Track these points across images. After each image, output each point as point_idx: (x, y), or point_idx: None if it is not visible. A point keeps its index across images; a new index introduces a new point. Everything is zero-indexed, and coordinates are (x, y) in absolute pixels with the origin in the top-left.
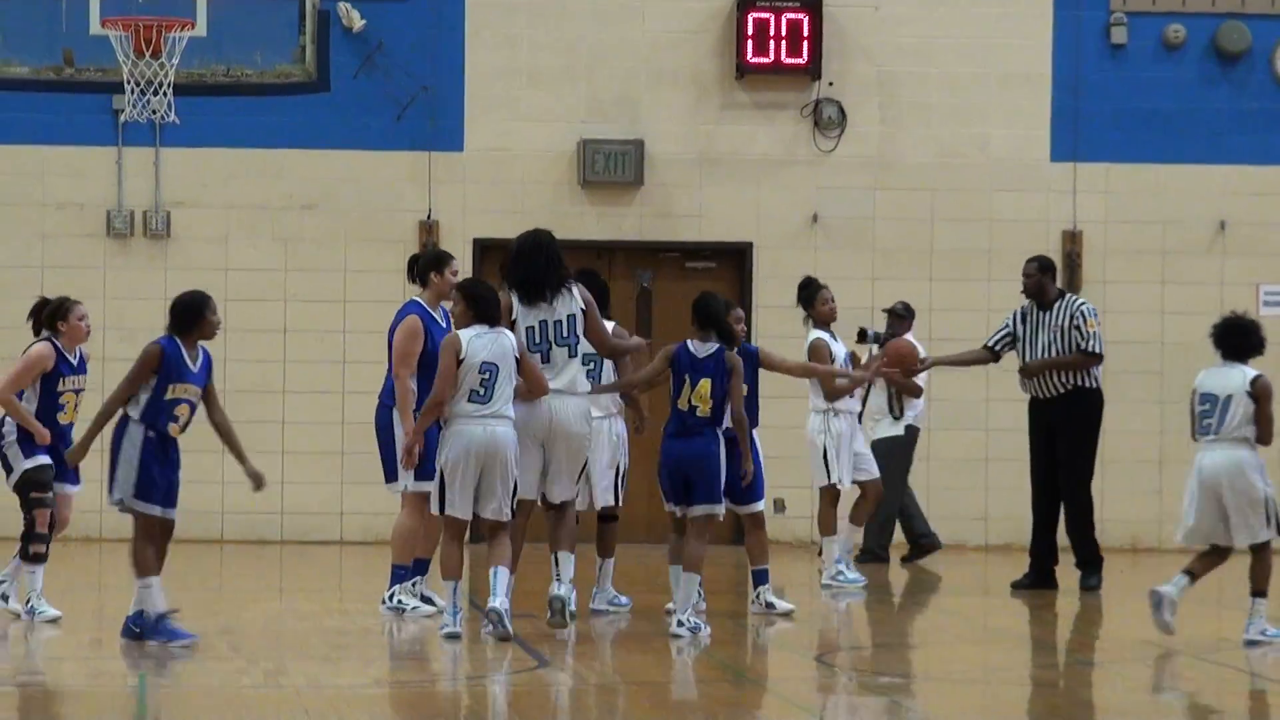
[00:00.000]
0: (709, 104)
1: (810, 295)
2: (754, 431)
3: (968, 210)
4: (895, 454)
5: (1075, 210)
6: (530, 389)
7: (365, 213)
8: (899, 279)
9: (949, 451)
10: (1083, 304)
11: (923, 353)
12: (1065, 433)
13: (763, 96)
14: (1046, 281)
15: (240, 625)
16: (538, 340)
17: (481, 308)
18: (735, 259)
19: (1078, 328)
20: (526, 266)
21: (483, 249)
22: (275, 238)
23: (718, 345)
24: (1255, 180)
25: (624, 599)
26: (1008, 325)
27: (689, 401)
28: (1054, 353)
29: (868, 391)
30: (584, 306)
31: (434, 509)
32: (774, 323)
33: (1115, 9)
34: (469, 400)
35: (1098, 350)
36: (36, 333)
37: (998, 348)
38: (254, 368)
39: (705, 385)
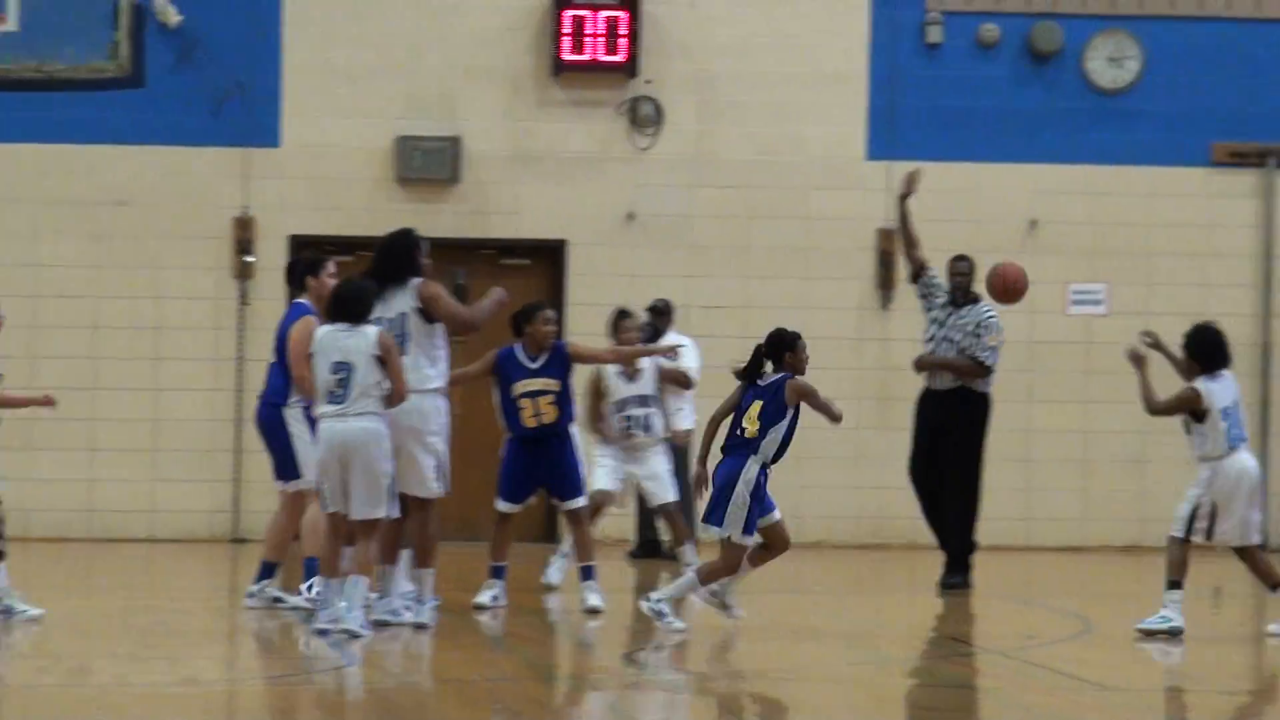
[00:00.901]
0: (526, 101)
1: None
2: (573, 429)
3: (784, 208)
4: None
5: (890, 208)
6: (393, 392)
7: (180, 209)
8: (715, 276)
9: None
10: (991, 316)
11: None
12: (953, 432)
13: (579, 94)
14: (971, 281)
15: (45, 622)
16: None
17: (333, 305)
18: (550, 256)
19: (979, 336)
20: (374, 263)
21: (299, 245)
22: (87, 234)
23: (781, 376)
24: (1066, 179)
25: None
26: (929, 332)
27: (739, 423)
28: (954, 351)
29: None
30: (418, 305)
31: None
32: (588, 321)
33: (931, 8)
34: (327, 401)
35: (990, 364)
36: None
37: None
38: (64, 364)
39: (756, 407)
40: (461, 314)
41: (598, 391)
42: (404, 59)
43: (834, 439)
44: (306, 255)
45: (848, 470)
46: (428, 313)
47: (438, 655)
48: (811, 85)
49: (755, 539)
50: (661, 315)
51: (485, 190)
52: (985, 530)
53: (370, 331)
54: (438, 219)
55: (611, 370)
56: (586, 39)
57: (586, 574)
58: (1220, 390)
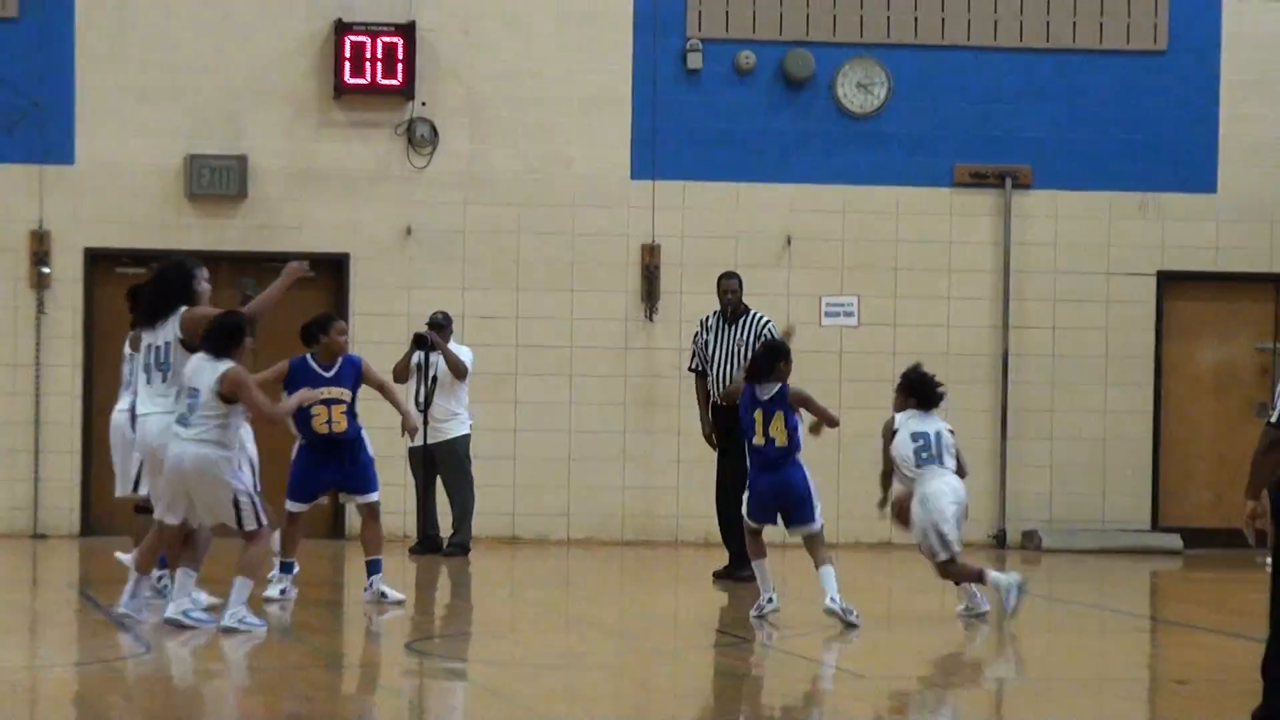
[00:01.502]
0: (308, 121)
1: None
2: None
3: (553, 224)
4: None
5: (654, 225)
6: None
7: None
8: (488, 288)
9: (536, 451)
10: (768, 321)
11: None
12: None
13: (360, 115)
14: (741, 296)
15: None
16: (147, 361)
17: (204, 336)
18: (334, 269)
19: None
20: (146, 294)
21: (94, 258)
22: None
23: (780, 385)
24: (818, 198)
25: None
26: (699, 338)
27: (765, 436)
28: (737, 364)
29: (430, 395)
30: (179, 334)
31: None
32: (371, 330)
33: (691, 35)
34: (176, 423)
35: None
36: None
37: (700, 366)
38: None
39: (779, 419)
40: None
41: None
42: (192, 81)
43: (601, 441)
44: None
45: (615, 471)
46: (188, 343)
47: (231, 646)
48: (578, 109)
49: None
50: (441, 329)
51: (271, 206)
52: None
53: (223, 366)
54: (226, 233)
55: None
56: (366, 63)
57: (374, 567)
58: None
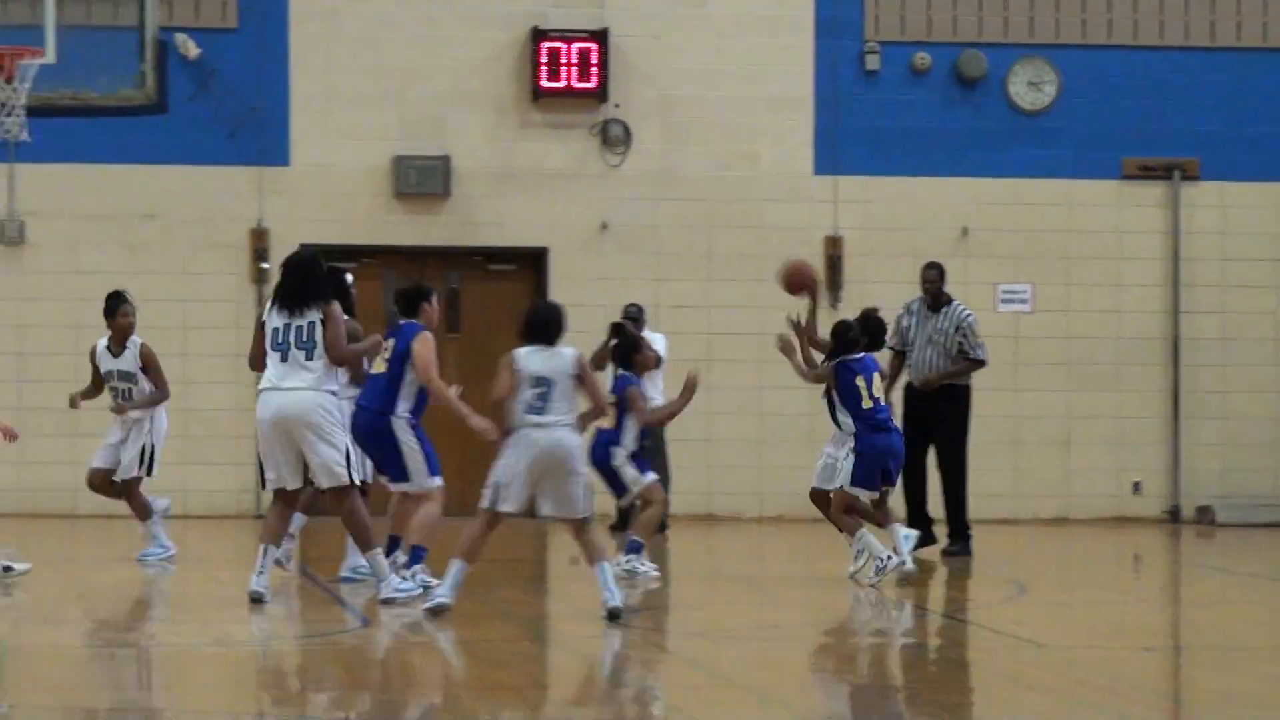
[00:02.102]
0: (508, 123)
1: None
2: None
3: (741, 218)
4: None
5: (836, 218)
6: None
7: (202, 221)
8: (680, 279)
9: (729, 433)
10: (968, 314)
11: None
12: (943, 423)
13: (556, 117)
14: (943, 285)
15: (98, 591)
16: (280, 340)
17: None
18: (533, 262)
19: (965, 336)
20: (286, 280)
21: None
22: (121, 244)
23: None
24: (992, 191)
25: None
26: (902, 320)
27: (872, 398)
28: (936, 351)
29: None
30: (323, 317)
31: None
32: (570, 320)
33: (869, 38)
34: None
35: (984, 358)
36: None
37: (900, 346)
38: None
39: (877, 379)
40: (339, 344)
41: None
42: (399, 87)
43: (790, 424)
44: (418, 285)
45: (804, 452)
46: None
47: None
48: (763, 109)
49: None
50: (635, 321)
51: (473, 203)
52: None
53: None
54: (431, 229)
55: (100, 344)
56: (562, 68)
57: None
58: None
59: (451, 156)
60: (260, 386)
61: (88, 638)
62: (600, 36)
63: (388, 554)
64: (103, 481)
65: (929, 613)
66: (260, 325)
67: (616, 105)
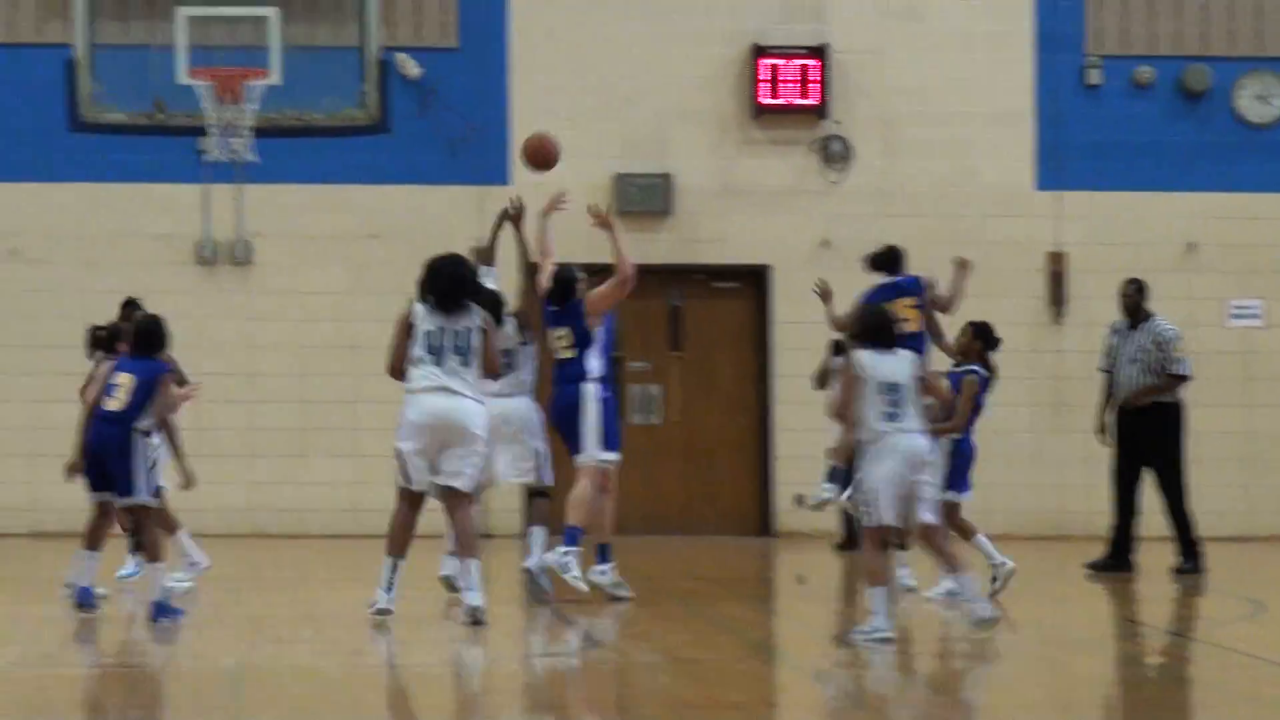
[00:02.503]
0: (729, 140)
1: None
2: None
3: (962, 234)
4: None
5: (1058, 233)
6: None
7: (424, 240)
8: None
9: None
10: (1168, 329)
11: None
12: (1158, 442)
13: (777, 134)
14: (1141, 301)
15: (327, 612)
16: (434, 344)
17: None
18: (755, 279)
19: (1164, 352)
20: (440, 283)
21: (531, 272)
22: (345, 264)
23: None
24: (1220, 206)
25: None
26: (1107, 340)
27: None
28: (1138, 368)
29: None
30: (483, 325)
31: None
32: (791, 336)
33: (1090, 52)
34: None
35: (1186, 373)
36: (98, 349)
37: (1108, 366)
38: (327, 380)
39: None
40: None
41: None
42: (620, 105)
43: (1013, 441)
44: (568, 272)
45: (1028, 469)
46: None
47: (665, 636)
48: (984, 123)
49: None
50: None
51: (695, 221)
52: (1153, 522)
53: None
54: (653, 247)
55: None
56: (782, 84)
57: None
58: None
59: (673, 174)
60: (418, 386)
61: (323, 657)
62: (820, 53)
63: (571, 544)
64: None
65: (1161, 631)
66: (406, 327)
67: (837, 121)
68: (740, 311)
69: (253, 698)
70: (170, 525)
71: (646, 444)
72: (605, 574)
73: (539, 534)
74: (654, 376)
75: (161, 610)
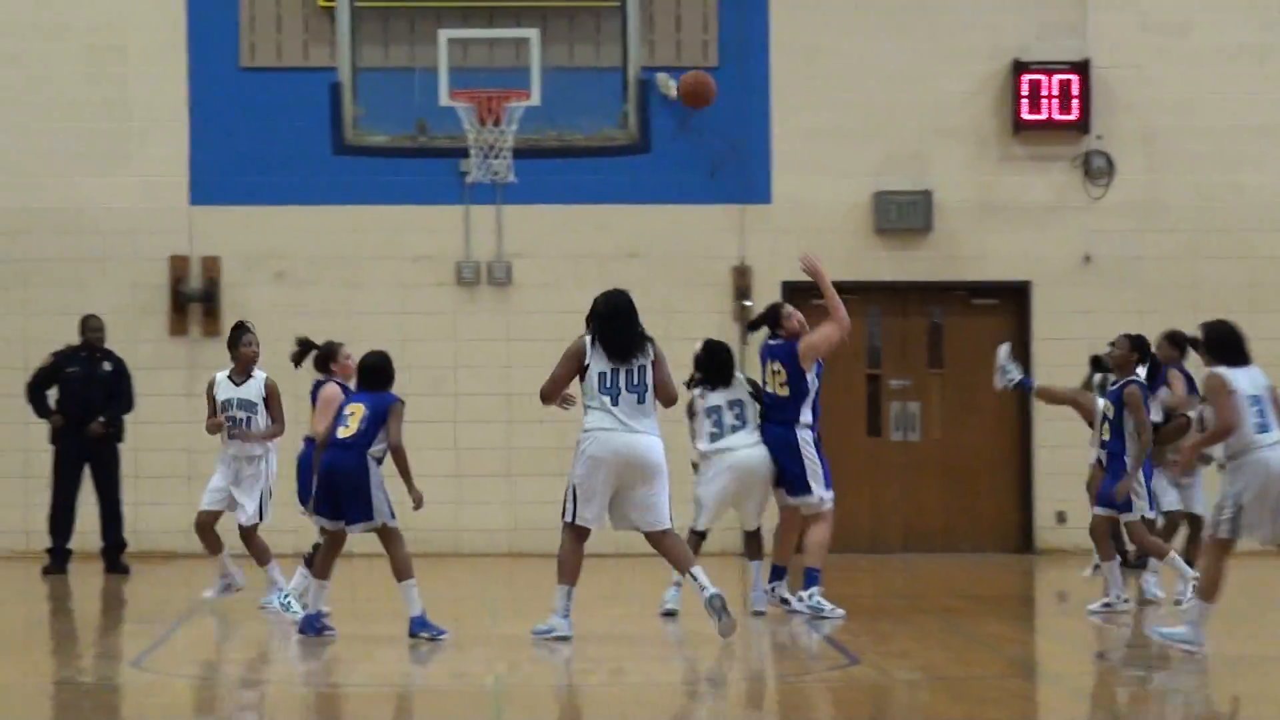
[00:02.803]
0: (989, 157)
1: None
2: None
3: (1227, 249)
4: None
5: None
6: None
7: (684, 260)
8: (1165, 312)
9: None
10: None
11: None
12: None
13: (1037, 149)
14: None
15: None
16: (608, 384)
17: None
18: (1016, 296)
19: None
20: (614, 327)
21: (791, 290)
22: (604, 283)
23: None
24: None
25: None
26: None
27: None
28: None
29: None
30: (654, 358)
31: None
32: (1052, 353)
33: None
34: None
35: None
36: (297, 365)
37: None
38: None
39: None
40: (670, 388)
41: None
42: (881, 122)
43: None
44: (774, 309)
45: None
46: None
47: (925, 653)
48: (1248, 137)
49: None
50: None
51: (955, 238)
52: None
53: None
54: (912, 265)
55: (220, 375)
56: (1043, 100)
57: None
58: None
59: (933, 191)
60: (601, 425)
61: (583, 675)
62: (1082, 68)
63: (775, 579)
64: (211, 524)
65: None
66: (576, 357)
67: (1099, 137)
68: (1000, 328)
69: (513, 716)
70: (215, 547)
71: (906, 461)
72: (813, 598)
73: (757, 567)
74: (913, 394)
75: (421, 625)
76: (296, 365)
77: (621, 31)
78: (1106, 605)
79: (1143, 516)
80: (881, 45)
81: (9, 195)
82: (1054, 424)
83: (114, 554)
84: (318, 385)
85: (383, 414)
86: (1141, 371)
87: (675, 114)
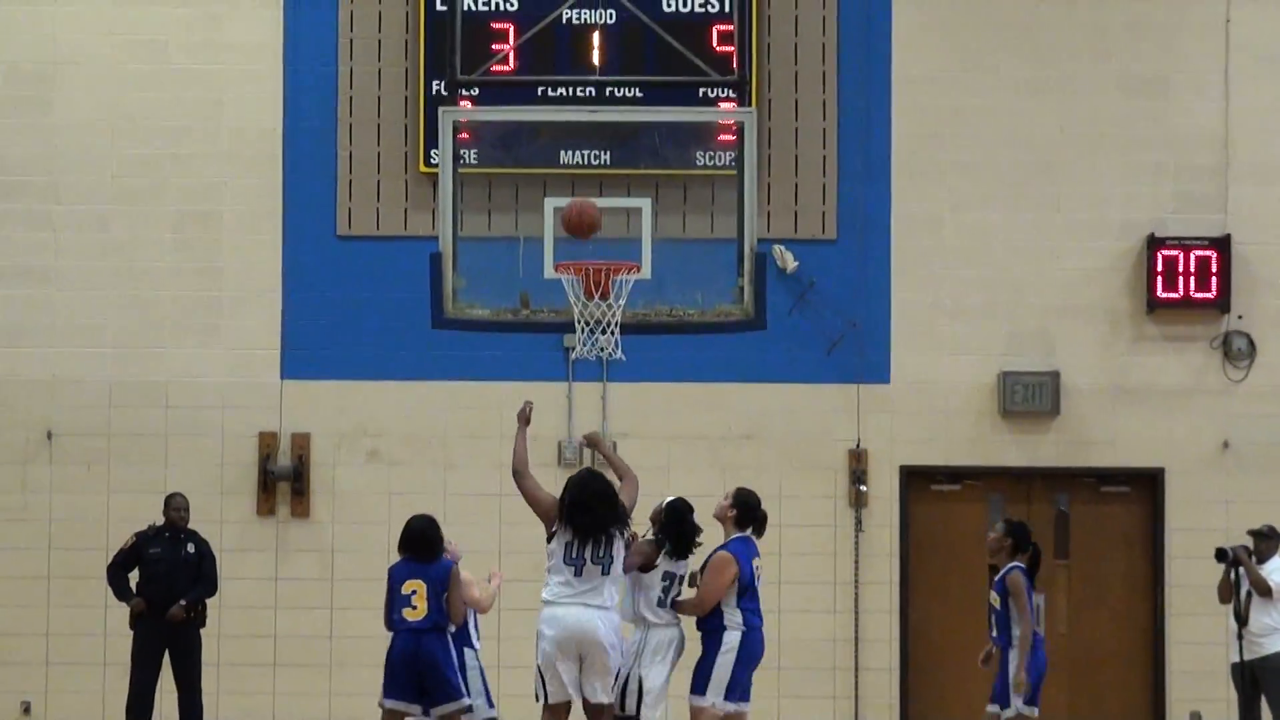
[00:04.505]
0: (1121, 337)
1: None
2: None
3: None
4: None
5: None
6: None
7: (798, 442)
8: None
9: None
10: None
11: None
12: None
13: (1172, 329)
14: None
15: None
16: (574, 555)
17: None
18: (1148, 484)
19: None
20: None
21: (908, 474)
22: (714, 465)
23: None
24: None
25: None
26: None
27: None
28: None
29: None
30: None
31: None
32: (1186, 544)
33: None
34: None
35: None
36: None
37: None
38: None
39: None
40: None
41: None
42: (1006, 299)
43: None
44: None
45: None
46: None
47: None
48: None
49: None
50: (1267, 539)
51: (1084, 421)
52: None
53: None
54: (1039, 449)
55: None
56: (1179, 277)
57: None
58: None
59: (1061, 371)
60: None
61: None
62: (1222, 244)
63: None
64: None
65: None
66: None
67: (1239, 316)
68: (1131, 517)
69: None
70: None
71: None
72: None
73: None
74: (1038, 585)
75: None
76: None
77: (738, 202)
78: None
79: (1018, 714)
80: (1009, 218)
81: (93, 366)
82: (1187, 620)
83: None
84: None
85: (444, 583)
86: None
87: (791, 288)
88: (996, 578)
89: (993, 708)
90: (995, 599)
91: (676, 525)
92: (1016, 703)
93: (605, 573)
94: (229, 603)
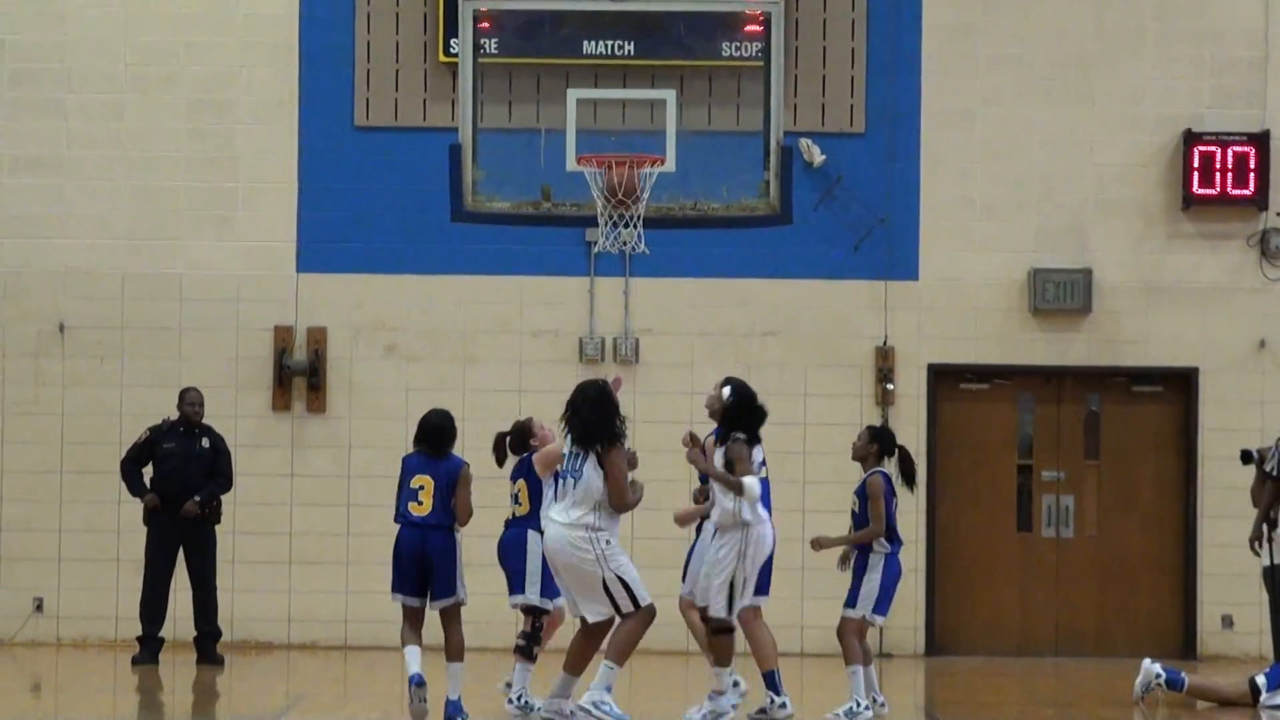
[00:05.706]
0: (1155, 234)
1: None
2: None
3: None
4: None
5: None
6: None
7: (824, 339)
8: None
9: None
10: None
11: None
12: None
13: (1208, 226)
14: None
15: None
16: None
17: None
18: (1181, 384)
19: None
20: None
21: (936, 373)
22: (738, 363)
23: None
24: None
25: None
26: None
27: None
28: None
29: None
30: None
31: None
32: (1220, 445)
33: None
34: None
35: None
36: (501, 463)
37: None
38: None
39: None
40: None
41: None
42: (1037, 195)
43: None
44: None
45: None
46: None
47: None
48: None
49: None
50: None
51: (1116, 320)
52: None
53: None
54: (1070, 348)
55: None
56: (1216, 173)
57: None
58: None
59: (1093, 269)
60: None
61: None
62: (1260, 139)
63: None
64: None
65: None
66: None
67: (1277, 214)
68: (1164, 417)
69: None
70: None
71: (1059, 559)
72: None
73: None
74: (1067, 487)
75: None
76: (500, 464)
77: (764, 94)
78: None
79: (863, 617)
80: (1042, 112)
81: (104, 258)
82: (1220, 522)
83: (208, 644)
84: (525, 461)
85: (453, 483)
86: (890, 463)
87: (817, 183)
88: (859, 483)
89: (848, 610)
90: (855, 502)
91: (748, 407)
92: (865, 609)
93: (574, 486)
94: (244, 499)
